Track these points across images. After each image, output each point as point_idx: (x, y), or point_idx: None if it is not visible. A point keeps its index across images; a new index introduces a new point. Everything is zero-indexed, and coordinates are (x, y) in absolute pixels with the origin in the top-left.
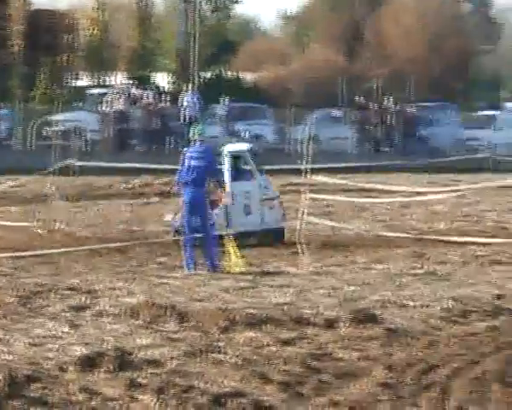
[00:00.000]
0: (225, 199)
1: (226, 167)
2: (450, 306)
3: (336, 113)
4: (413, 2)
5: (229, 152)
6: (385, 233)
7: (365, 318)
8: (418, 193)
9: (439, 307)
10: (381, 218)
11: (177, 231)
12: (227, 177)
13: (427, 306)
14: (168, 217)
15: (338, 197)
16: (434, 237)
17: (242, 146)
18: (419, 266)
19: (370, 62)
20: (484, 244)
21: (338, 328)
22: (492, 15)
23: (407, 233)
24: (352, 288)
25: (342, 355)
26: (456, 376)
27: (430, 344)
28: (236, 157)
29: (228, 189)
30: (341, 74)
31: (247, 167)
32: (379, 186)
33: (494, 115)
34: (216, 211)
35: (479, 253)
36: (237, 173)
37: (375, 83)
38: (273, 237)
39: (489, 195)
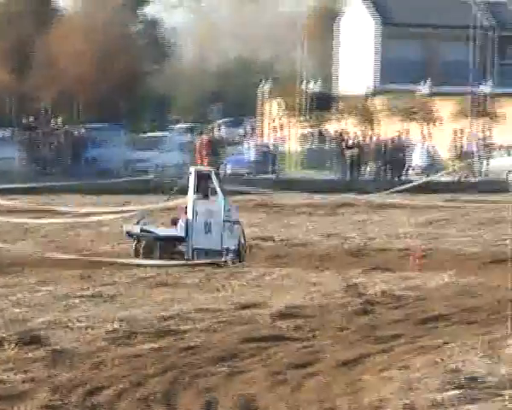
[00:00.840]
0: (185, 215)
1: (191, 185)
2: (116, 327)
3: (3, 133)
4: (82, 21)
5: (195, 171)
6: (53, 254)
7: (30, 339)
8: (86, 214)
9: (104, 329)
10: (49, 239)
11: (130, 235)
12: (191, 194)
13: (93, 327)
14: (128, 227)
15: (2, 218)
16: (102, 258)
17: (209, 169)
18: (86, 287)
19: (39, 82)
20: (149, 266)
21: (2, 350)
22: (161, 35)
23: (75, 254)
24: (18, 309)
25: (6, 377)
26: (122, 397)
27: (96, 366)
28: (201, 177)
29: (190, 206)
30: (9, 94)
31: (212, 188)
32: (47, 207)
33: (162, 137)
34: (178, 225)
35: (144, 274)
36: (201, 192)
37: (43, 103)
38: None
39: (155, 216)
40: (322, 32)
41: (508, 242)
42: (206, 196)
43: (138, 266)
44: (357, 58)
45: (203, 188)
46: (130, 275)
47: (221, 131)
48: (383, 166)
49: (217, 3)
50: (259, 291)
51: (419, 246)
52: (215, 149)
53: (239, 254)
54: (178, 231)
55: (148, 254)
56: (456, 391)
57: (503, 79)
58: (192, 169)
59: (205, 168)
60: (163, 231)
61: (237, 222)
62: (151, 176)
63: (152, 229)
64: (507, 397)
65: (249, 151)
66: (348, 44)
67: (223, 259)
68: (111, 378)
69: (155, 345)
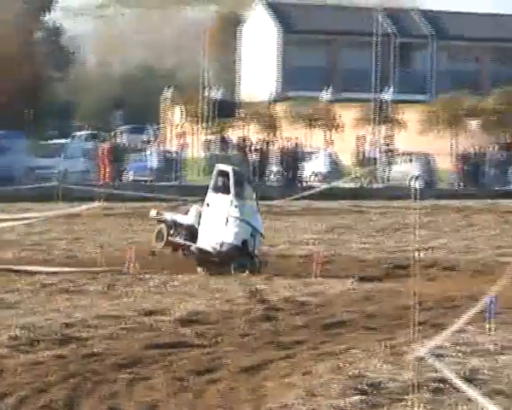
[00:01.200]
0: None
1: (212, 180)
2: (18, 334)
3: None
4: None
5: (216, 168)
6: None
7: None
8: None
9: (6, 336)
10: None
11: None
12: (210, 187)
13: None
14: (153, 213)
15: None
16: (2, 265)
17: (229, 167)
18: None
19: None
20: (52, 273)
21: None
22: (64, 43)
23: None
24: None
25: None
26: (24, 404)
27: None
28: (221, 174)
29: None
30: None
31: (228, 184)
32: None
33: (65, 144)
34: (189, 214)
35: (47, 281)
36: (218, 187)
37: None
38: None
39: (58, 223)
40: (226, 39)
41: (409, 248)
42: (226, 192)
43: (40, 272)
44: (259, 65)
45: (224, 184)
46: (32, 282)
47: (123, 137)
48: (285, 173)
49: (121, 10)
50: (162, 298)
51: (321, 252)
52: (118, 156)
53: (245, 254)
54: (188, 219)
55: (160, 237)
56: (359, 397)
57: (404, 86)
58: (216, 166)
59: (225, 166)
60: (174, 217)
61: (245, 221)
62: (54, 183)
63: (165, 214)
64: (409, 403)
65: (152, 158)
66: (251, 51)
67: (218, 249)
68: (13, 386)
69: (58, 352)
